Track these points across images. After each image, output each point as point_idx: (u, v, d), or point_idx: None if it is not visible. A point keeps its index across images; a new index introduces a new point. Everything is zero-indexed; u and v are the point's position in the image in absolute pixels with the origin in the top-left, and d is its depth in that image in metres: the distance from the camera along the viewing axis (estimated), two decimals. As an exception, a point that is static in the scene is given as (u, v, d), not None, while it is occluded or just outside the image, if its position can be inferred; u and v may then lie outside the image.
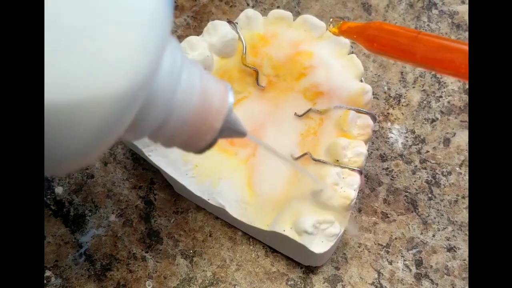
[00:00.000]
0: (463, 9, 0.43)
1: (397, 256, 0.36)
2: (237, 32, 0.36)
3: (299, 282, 0.35)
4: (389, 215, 0.37)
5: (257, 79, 0.37)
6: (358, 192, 0.36)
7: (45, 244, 0.35)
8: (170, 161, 0.35)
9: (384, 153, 0.39)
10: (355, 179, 0.33)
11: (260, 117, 0.38)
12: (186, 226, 0.36)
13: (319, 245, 0.32)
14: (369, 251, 0.36)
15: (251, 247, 0.36)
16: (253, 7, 0.42)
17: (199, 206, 0.37)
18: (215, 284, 0.35)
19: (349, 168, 0.33)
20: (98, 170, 0.37)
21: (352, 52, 0.40)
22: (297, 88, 0.37)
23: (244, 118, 0.37)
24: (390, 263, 0.36)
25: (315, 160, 0.34)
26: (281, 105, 0.38)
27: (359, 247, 0.36)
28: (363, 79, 0.36)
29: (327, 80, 0.36)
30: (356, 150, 0.33)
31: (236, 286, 0.35)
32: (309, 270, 0.35)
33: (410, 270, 0.36)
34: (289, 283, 0.35)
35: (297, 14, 0.42)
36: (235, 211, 0.35)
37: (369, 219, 0.37)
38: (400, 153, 0.39)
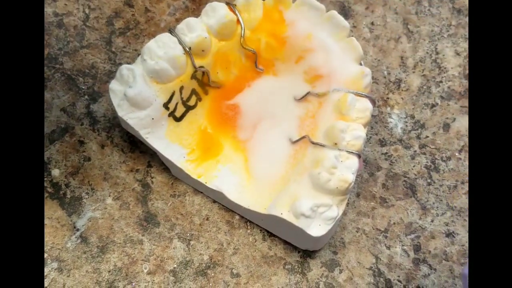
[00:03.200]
0: (465, -6, 0.43)
1: (395, 241, 0.36)
2: (236, 14, 0.35)
3: (296, 266, 0.35)
4: (387, 200, 0.37)
5: (255, 62, 0.37)
6: (357, 177, 0.36)
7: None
8: (167, 144, 0.35)
9: (383, 138, 0.39)
10: (354, 162, 0.32)
11: (259, 101, 0.37)
12: (183, 209, 0.36)
13: (316, 228, 0.32)
14: (367, 236, 0.36)
15: (249, 231, 0.36)
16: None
17: (197, 190, 0.37)
18: (212, 268, 0.34)
19: (347, 151, 0.32)
20: (95, 153, 0.37)
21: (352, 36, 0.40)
22: (296, 70, 0.37)
23: (243, 101, 0.37)
24: (388, 248, 0.36)
25: (313, 143, 0.34)
26: (280, 88, 0.37)
27: (357, 231, 0.36)
28: (362, 63, 0.36)
29: (326, 63, 0.35)
30: (354, 133, 0.33)
31: (233, 270, 0.35)
32: (307, 254, 0.35)
33: (408, 255, 0.35)
34: (286, 267, 0.35)
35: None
36: (232, 194, 0.35)
37: (367, 204, 0.37)
38: (399, 138, 0.39)
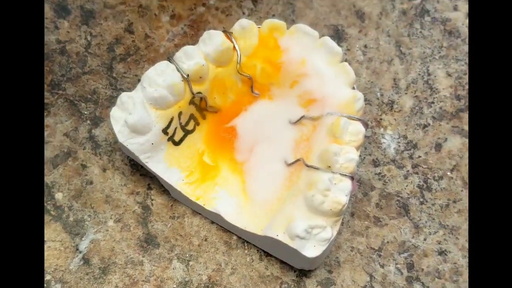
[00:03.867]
0: (455, 16, 0.44)
1: (389, 259, 0.37)
2: (232, 42, 0.36)
3: (292, 285, 0.36)
4: (381, 219, 0.38)
5: (251, 87, 0.38)
6: (351, 197, 0.37)
7: (45, 249, 0.36)
8: (166, 167, 0.36)
9: (376, 158, 0.40)
10: (347, 185, 0.33)
11: (255, 124, 0.38)
12: (182, 230, 0.37)
13: (311, 250, 0.33)
14: (362, 255, 0.37)
15: (246, 251, 0.37)
16: (248, 15, 0.43)
17: (195, 211, 0.38)
18: (211, 288, 0.36)
19: (340, 174, 0.34)
20: (97, 176, 0.38)
21: (346, 60, 0.41)
22: (290, 95, 0.38)
23: (239, 125, 0.38)
24: (382, 266, 0.37)
25: (307, 166, 0.35)
26: (276, 112, 0.38)
27: (351, 250, 0.37)
28: (355, 86, 0.37)
29: (320, 88, 0.37)
30: (347, 156, 0.34)
31: (231, 289, 0.36)
32: (303, 273, 0.36)
33: (402, 274, 0.36)
34: (283, 286, 0.36)
35: (291, 22, 0.43)
36: (230, 216, 0.36)
37: (361, 223, 0.38)
38: (392, 158, 0.40)
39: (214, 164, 0.38)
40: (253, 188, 0.37)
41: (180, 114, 0.36)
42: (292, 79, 0.37)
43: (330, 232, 0.33)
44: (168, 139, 0.36)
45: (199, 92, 0.36)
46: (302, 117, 0.37)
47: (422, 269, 0.36)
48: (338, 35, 0.43)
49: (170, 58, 0.35)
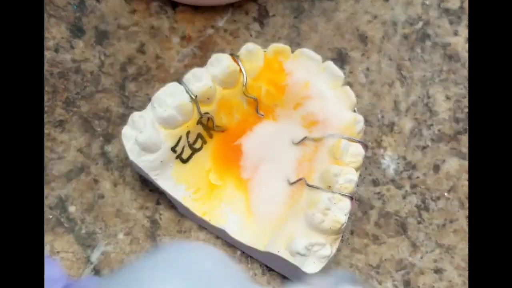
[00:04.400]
0: (455, 41, 0.45)
1: (386, 276, 0.38)
2: (238, 65, 0.38)
3: (293, 300, 0.37)
4: (379, 238, 0.39)
5: (257, 108, 0.40)
6: (350, 215, 0.39)
7: (59, 259, 0.38)
8: (174, 184, 0.38)
9: (376, 178, 0.41)
10: (346, 205, 0.35)
11: (259, 144, 0.40)
12: (189, 245, 0.39)
13: (311, 266, 0.35)
14: (360, 271, 0.38)
15: (249, 265, 0.38)
16: (256, 38, 0.45)
17: (201, 226, 0.39)
18: (215, 300, 0.37)
19: (340, 194, 0.35)
20: (108, 191, 0.40)
21: (348, 82, 0.43)
22: (294, 116, 0.40)
23: (245, 144, 0.40)
24: (380, 283, 0.38)
25: (309, 185, 0.36)
26: (279, 132, 0.40)
27: (350, 267, 0.38)
28: (356, 109, 0.38)
29: (322, 110, 0.38)
30: (347, 177, 0.35)
31: (234, 302, 0.37)
32: (303, 288, 0.38)
33: (398, 290, 0.38)
34: (284, 300, 0.37)
35: (297, 44, 0.45)
36: (234, 232, 0.38)
37: (360, 241, 0.39)
38: (391, 179, 0.41)
39: (220, 183, 0.40)
40: (257, 205, 0.39)
41: (188, 133, 0.38)
42: (295, 101, 0.39)
43: (329, 250, 0.35)
44: (177, 157, 0.38)
45: (207, 113, 0.38)
46: (305, 138, 0.39)
47: (418, 286, 0.38)
48: (342, 58, 0.45)
49: (179, 80, 0.37)
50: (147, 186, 0.41)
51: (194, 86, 0.37)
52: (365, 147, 0.37)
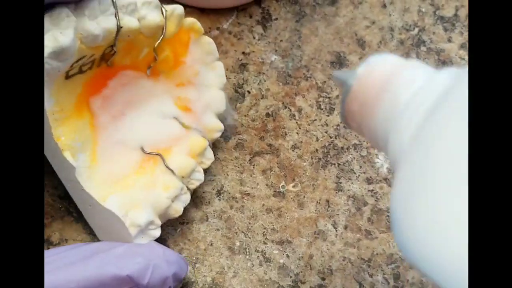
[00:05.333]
0: (449, 47, 0.47)
1: (377, 270, 0.40)
2: (165, 23, 0.37)
3: (288, 290, 0.39)
4: (372, 233, 0.41)
5: (150, 66, 0.39)
6: (345, 211, 0.41)
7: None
8: (48, 95, 0.34)
9: (370, 176, 0.43)
10: (187, 198, 0.39)
11: (129, 96, 0.40)
12: (190, 235, 0.41)
13: (139, 239, 0.37)
14: (353, 264, 0.40)
15: (247, 256, 0.41)
16: (258, 40, 0.47)
17: (203, 219, 0.41)
18: (214, 288, 0.39)
19: (187, 188, 0.39)
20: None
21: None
22: (172, 91, 0.41)
23: (118, 87, 0.39)
24: (371, 276, 0.40)
25: (167, 167, 0.38)
26: (153, 96, 0.40)
27: (343, 260, 0.41)
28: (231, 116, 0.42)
29: (198, 104, 0.40)
30: (198, 176, 0.39)
31: (233, 290, 0.39)
32: (298, 279, 0.40)
33: (388, 283, 0.40)
34: (279, 290, 0.39)
35: (298, 47, 0.47)
36: (81, 176, 0.36)
37: (353, 236, 0.41)
38: (385, 177, 0.43)
39: (80, 111, 0.37)
40: (102, 155, 0.38)
41: (91, 56, 0.35)
42: (180, 80, 0.41)
43: (159, 232, 0.38)
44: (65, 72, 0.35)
45: (115, 46, 0.36)
46: (175, 118, 0.40)
47: (407, 280, 0.40)
48: (340, 61, 0.47)
49: (114, 3, 0.34)
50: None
51: (126, 18, 0.35)
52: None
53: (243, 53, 0.46)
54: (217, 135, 0.41)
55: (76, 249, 0.34)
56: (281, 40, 0.47)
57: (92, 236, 0.40)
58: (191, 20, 0.39)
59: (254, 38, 0.47)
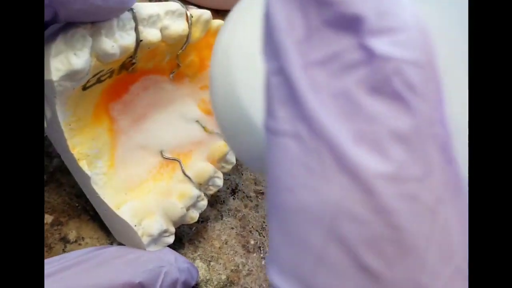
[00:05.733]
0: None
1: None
2: (189, 31, 0.36)
3: (301, 288, 0.40)
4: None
5: (173, 72, 0.39)
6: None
7: (83, 245, 0.41)
8: (65, 109, 0.33)
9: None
10: (204, 204, 0.39)
11: (154, 99, 0.39)
12: (206, 234, 0.41)
13: (152, 247, 0.37)
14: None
15: (261, 255, 0.41)
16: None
17: (218, 217, 0.42)
18: (229, 286, 0.40)
19: (205, 194, 0.38)
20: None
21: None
22: (196, 94, 0.41)
23: (140, 92, 0.39)
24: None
25: (184, 174, 0.38)
26: (176, 99, 0.40)
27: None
28: None
29: None
30: (216, 181, 0.39)
31: (247, 288, 0.40)
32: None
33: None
34: (293, 288, 0.40)
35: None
36: (97, 183, 0.36)
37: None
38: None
39: (98, 118, 0.37)
40: (121, 161, 0.38)
41: (109, 69, 0.34)
42: (205, 83, 0.40)
43: (172, 239, 0.37)
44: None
45: (135, 57, 0.35)
46: (197, 121, 0.40)
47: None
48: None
49: (133, 12, 0.33)
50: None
51: (147, 31, 0.33)
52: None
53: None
54: None
55: (91, 253, 0.35)
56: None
57: (108, 233, 0.41)
58: (218, 23, 0.38)
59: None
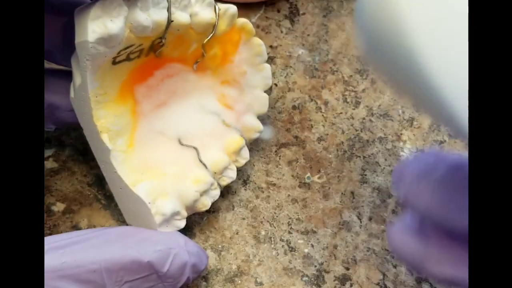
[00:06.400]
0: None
1: (401, 261, 0.40)
2: (216, 21, 0.37)
3: (312, 279, 0.40)
4: (396, 225, 0.42)
5: (197, 62, 0.40)
6: (369, 203, 0.41)
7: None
8: (93, 79, 0.34)
9: (395, 170, 0.43)
10: (217, 194, 0.39)
11: (176, 86, 0.41)
12: (217, 224, 0.42)
13: (163, 227, 0.37)
14: (377, 255, 0.41)
15: (272, 245, 0.41)
16: (286, 34, 0.48)
17: (229, 208, 0.42)
18: (239, 276, 0.40)
19: (218, 184, 0.39)
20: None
21: (371, 80, 0.45)
22: (217, 88, 0.42)
23: (164, 79, 0.40)
24: (395, 266, 0.40)
25: (200, 161, 0.39)
26: (197, 90, 0.41)
27: (367, 251, 0.41)
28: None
29: (240, 103, 0.41)
30: (230, 173, 0.40)
31: (257, 279, 0.40)
32: (322, 268, 0.40)
33: (412, 274, 0.40)
34: (304, 279, 0.40)
35: (324, 41, 0.47)
36: (116, 160, 0.36)
37: (378, 227, 0.42)
38: (410, 170, 0.43)
39: (123, 97, 0.38)
40: (140, 141, 0.39)
41: (139, 45, 0.36)
42: (226, 78, 0.41)
43: (184, 223, 0.38)
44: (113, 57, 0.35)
45: (164, 38, 0.36)
46: (216, 114, 0.41)
47: (431, 272, 0.40)
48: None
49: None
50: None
51: (178, 13, 0.35)
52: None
53: (271, 46, 0.47)
54: (256, 135, 0.41)
55: (101, 231, 0.35)
56: (308, 35, 0.48)
57: (120, 222, 0.41)
58: (243, 21, 0.40)
59: (281, 32, 0.48)
